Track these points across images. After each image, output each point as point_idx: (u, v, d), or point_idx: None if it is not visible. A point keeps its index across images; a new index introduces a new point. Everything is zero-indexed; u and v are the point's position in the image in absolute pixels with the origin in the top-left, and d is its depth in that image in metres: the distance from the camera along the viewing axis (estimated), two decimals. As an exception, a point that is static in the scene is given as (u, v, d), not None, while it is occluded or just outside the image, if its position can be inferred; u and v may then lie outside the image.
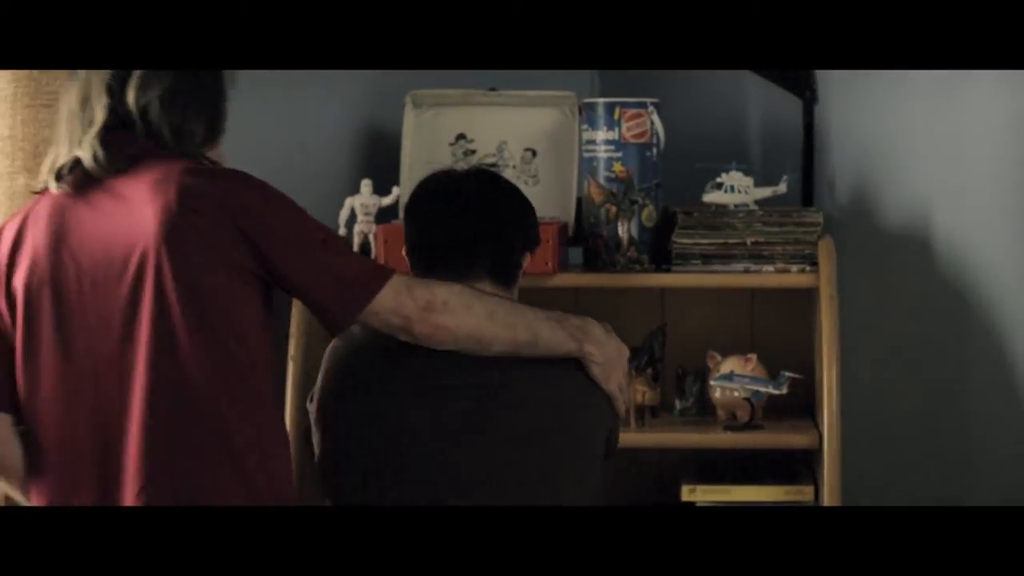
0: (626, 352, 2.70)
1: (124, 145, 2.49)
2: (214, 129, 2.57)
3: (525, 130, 3.44)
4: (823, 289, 3.19)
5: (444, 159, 3.42)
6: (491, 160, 3.44)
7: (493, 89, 3.44)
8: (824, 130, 3.48)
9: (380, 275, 2.51)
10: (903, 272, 3.47)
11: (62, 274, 2.47)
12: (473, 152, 3.44)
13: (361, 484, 2.62)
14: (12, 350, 2.51)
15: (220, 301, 2.43)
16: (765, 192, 3.33)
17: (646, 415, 3.31)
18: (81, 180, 2.49)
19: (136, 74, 2.50)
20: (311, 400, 2.74)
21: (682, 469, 3.42)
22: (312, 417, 2.72)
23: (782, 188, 3.35)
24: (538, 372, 2.61)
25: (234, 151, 2.65)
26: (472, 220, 2.69)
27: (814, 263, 3.24)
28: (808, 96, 3.45)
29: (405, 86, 3.43)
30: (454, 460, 2.58)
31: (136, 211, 2.44)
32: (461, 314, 2.52)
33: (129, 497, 2.43)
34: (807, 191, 3.46)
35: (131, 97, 2.50)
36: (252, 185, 2.48)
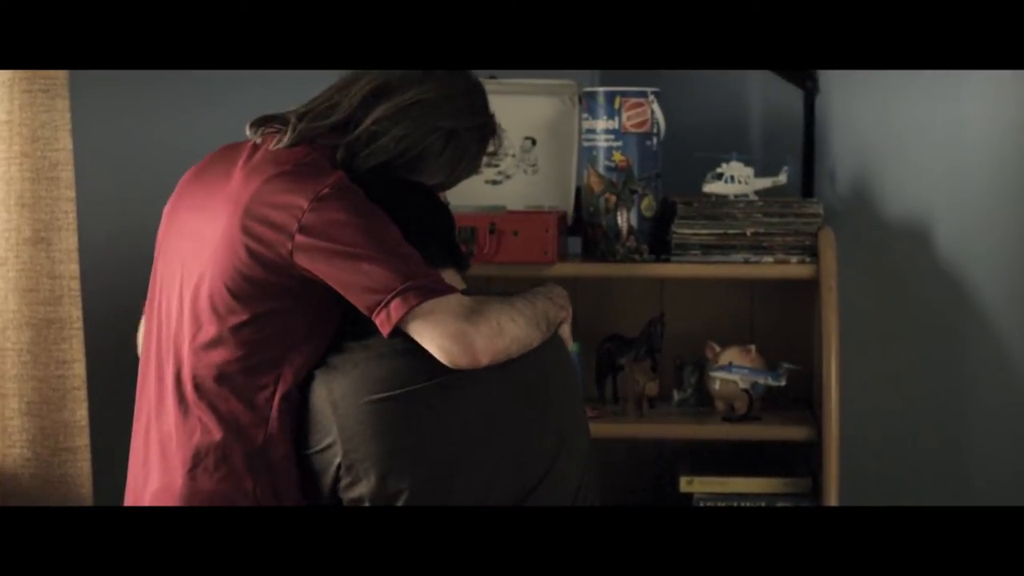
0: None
1: None
2: None
3: (525, 118, 3.42)
4: (823, 280, 3.18)
5: (443, 147, 3.40)
6: (490, 148, 3.42)
7: (493, 77, 3.42)
8: (825, 121, 3.48)
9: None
10: (903, 263, 3.47)
11: None
12: (472, 140, 3.42)
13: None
14: None
15: None
16: (765, 183, 3.33)
17: (644, 405, 3.30)
18: None
19: None
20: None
21: (680, 460, 3.42)
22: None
23: (782, 179, 3.34)
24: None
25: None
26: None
27: (814, 254, 3.23)
28: (809, 87, 3.45)
29: (405, 73, 3.41)
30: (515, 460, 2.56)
31: None
32: (511, 330, 2.51)
33: None
34: (807, 182, 3.45)
35: None
36: None
